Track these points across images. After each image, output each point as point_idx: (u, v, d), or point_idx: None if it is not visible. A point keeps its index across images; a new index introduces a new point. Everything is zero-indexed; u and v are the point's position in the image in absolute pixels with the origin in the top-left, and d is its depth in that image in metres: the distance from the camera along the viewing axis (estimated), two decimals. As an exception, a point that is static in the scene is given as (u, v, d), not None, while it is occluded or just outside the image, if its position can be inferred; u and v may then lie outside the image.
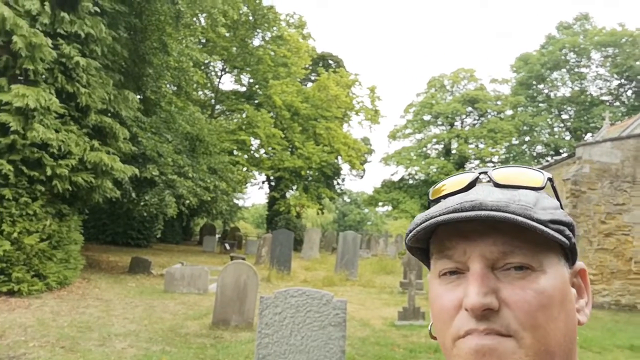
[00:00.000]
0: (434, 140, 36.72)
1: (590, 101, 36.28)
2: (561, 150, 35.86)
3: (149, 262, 12.72)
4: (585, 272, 0.62)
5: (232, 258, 14.72)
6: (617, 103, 36.15)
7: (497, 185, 0.60)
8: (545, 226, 0.53)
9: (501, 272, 0.55)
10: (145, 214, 14.08)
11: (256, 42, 24.96)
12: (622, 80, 35.64)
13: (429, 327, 0.64)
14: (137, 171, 10.48)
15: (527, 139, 37.55)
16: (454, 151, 35.68)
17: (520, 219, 0.52)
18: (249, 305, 7.24)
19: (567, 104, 37.38)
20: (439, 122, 37.14)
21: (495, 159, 36.05)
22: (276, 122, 25.52)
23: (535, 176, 0.61)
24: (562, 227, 0.56)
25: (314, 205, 29.28)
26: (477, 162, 36.14)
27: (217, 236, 25.72)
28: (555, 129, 38.12)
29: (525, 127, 36.33)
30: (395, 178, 37.38)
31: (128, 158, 11.18)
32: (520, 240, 0.55)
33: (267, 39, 24.89)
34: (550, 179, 0.61)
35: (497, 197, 0.56)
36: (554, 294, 0.54)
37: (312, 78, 32.68)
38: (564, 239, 0.55)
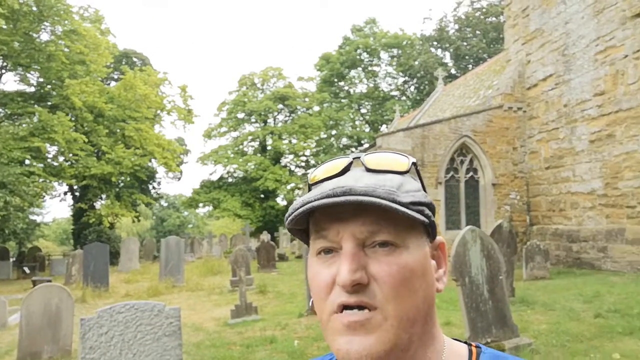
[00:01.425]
0: (250, 137, 37.31)
1: (382, 96, 40.91)
2: (363, 141, 39.74)
3: None
4: (444, 245, 0.71)
5: (34, 283, 12.89)
6: (404, 97, 41.47)
7: (368, 169, 0.66)
8: (407, 208, 0.60)
9: (370, 250, 0.62)
10: None
11: (45, 36, 21.97)
12: (406, 78, 40.98)
13: (310, 303, 0.69)
14: None
15: (333, 132, 40.66)
16: (269, 147, 36.76)
17: (384, 202, 0.59)
18: (64, 332, 6.45)
19: (364, 99, 41.54)
20: (253, 120, 37.86)
21: (307, 152, 38.25)
22: (77, 126, 22.98)
23: (402, 161, 0.67)
24: (422, 208, 0.63)
25: (128, 213, 27.31)
26: (291, 156, 37.88)
27: (11, 260, 22.14)
28: (357, 122, 42.07)
29: (331, 122, 39.27)
30: (214, 177, 37.04)
31: None
32: (385, 221, 0.61)
33: (58, 33, 22.13)
34: (414, 163, 0.68)
35: (365, 183, 0.61)
36: (415, 267, 0.62)
37: (116, 77, 30.30)
38: (423, 218, 0.62)
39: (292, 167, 38.62)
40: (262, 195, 35.62)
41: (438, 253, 0.70)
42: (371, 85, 41.71)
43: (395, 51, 40.84)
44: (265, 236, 24.78)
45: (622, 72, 11.00)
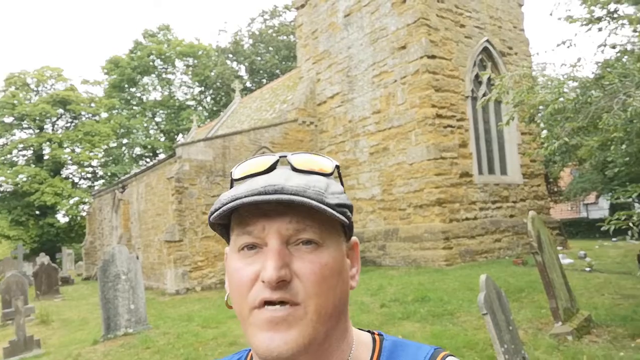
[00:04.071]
0: (21, 145, 32.27)
1: (178, 105, 39.76)
2: (158, 151, 37.99)
3: None
4: (357, 245, 0.75)
5: None
6: (201, 107, 41.03)
7: (294, 169, 0.68)
8: (333, 209, 0.64)
9: (294, 247, 0.64)
10: None
11: None
12: (202, 88, 40.65)
13: (225, 298, 0.70)
14: None
15: (125, 141, 37.90)
16: (46, 157, 32.36)
17: (314, 203, 0.62)
18: None
19: (159, 108, 39.78)
20: (25, 125, 32.85)
21: (94, 162, 34.84)
22: None
23: (327, 164, 0.71)
24: (345, 209, 0.67)
25: None
26: (75, 167, 34.03)
27: None
28: (151, 131, 39.99)
29: (122, 130, 36.58)
30: (-26, 192, 31.01)
31: None
32: (311, 220, 0.64)
33: None
34: (337, 166, 0.72)
35: (296, 182, 0.64)
36: (334, 266, 0.66)
37: None
38: (345, 219, 0.66)
39: (76, 179, 34.73)
40: (37, 212, 31.13)
41: (352, 252, 0.74)
42: (166, 93, 40.21)
43: (190, 60, 40.18)
44: (43, 258, 21.66)
45: (393, 94, 12.83)
